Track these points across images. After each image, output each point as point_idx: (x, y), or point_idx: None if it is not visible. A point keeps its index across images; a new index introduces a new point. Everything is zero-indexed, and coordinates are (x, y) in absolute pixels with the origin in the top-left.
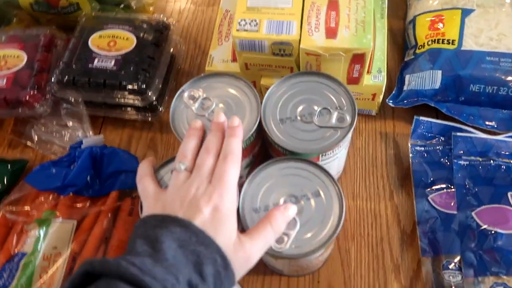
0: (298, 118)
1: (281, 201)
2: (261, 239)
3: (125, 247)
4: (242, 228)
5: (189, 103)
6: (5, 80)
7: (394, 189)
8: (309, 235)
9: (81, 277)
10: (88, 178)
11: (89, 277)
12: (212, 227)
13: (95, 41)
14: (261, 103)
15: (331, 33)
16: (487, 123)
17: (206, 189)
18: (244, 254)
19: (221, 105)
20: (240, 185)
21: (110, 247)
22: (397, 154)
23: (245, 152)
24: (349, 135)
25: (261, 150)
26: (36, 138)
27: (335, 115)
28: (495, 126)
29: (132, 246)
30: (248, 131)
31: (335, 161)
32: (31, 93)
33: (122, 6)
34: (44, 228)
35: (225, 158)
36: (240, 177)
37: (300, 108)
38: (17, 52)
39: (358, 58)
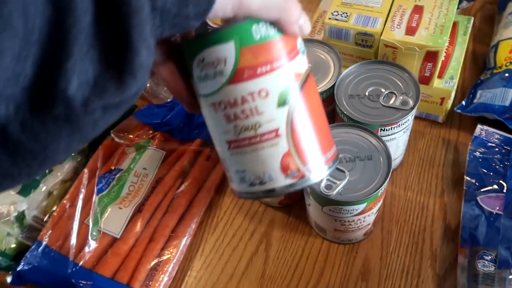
0: (367, 96)
1: None
2: None
3: (198, 185)
4: None
5: None
6: None
7: (445, 189)
8: (354, 189)
9: None
10: (181, 124)
11: None
12: None
13: None
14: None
15: (410, 31)
16: None
17: None
18: None
19: (310, 64)
20: None
21: (186, 181)
22: (456, 160)
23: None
24: (409, 117)
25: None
26: (148, 87)
27: (400, 98)
28: None
29: None
30: (330, 84)
31: (393, 141)
32: None
33: None
34: (140, 152)
35: None
36: None
37: (369, 89)
38: None
39: (431, 56)
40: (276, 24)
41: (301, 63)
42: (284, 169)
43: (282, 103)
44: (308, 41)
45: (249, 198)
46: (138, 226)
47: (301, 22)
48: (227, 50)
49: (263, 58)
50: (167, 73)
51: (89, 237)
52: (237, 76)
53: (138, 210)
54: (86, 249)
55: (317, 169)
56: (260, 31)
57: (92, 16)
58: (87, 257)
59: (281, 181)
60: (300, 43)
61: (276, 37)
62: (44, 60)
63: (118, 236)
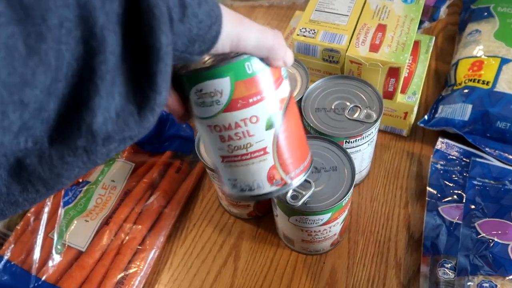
0: (332, 110)
1: None
2: (259, 27)
3: (167, 197)
4: None
5: None
6: None
7: (410, 200)
8: (319, 199)
9: None
10: (151, 136)
11: None
12: None
13: None
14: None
15: (374, 47)
16: (510, 157)
17: None
18: (236, 15)
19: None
20: None
21: (155, 193)
22: (419, 172)
23: None
24: (373, 130)
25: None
26: None
27: (364, 112)
28: None
29: None
30: (297, 97)
31: (358, 153)
32: None
33: None
34: (109, 164)
35: None
36: None
37: (335, 103)
38: None
39: (393, 72)
40: (265, 60)
41: (285, 88)
42: (270, 179)
43: (269, 126)
44: None
45: (239, 200)
46: (105, 239)
47: (286, 56)
48: (223, 84)
49: (254, 89)
50: None
51: (53, 251)
52: (231, 106)
53: (105, 222)
54: (50, 263)
55: (296, 176)
56: (251, 66)
57: (120, 57)
58: (50, 272)
59: (267, 188)
60: (284, 70)
61: (264, 70)
62: (70, 95)
63: (83, 250)
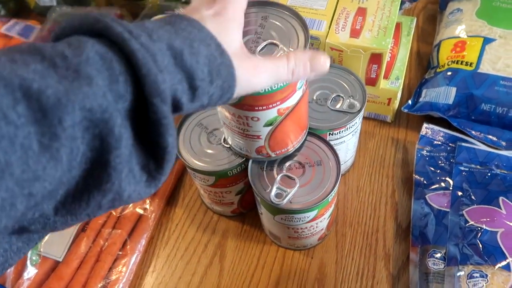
0: (314, 100)
1: (287, 164)
2: (272, 63)
3: (147, 198)
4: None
5: None
6: None
7: (396, 189)
8: (304, 196)
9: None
10: None
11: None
12: (212, 26)
13: None
14: None
15: (355, 33)
16: (495, 140)
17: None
18: (250, 63)
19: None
20: None
21: None
22: (405, 159)
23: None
24: (357, 120)
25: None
26: None
27: (347, 101)
28: (503, 145)
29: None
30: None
31: (342, 145)
32: None
33: (183, 0)
34: None
35: None
36: None
37: (317, 93)
38: None
39: (376, 58)
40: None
41: (294, 98)
42: (258, 151)
43: (268, 125)
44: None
45: (233, 150)
46: (83, 247)
47: (322, 62)
48: None
49: (262, 102)
50: None
51: (28, 263)
52: (239, 106)
53: (82, 229)
54: (25, 276)
55: (282, 153)
56: (265, 88)
57: (132, 149)
58: (26, 285)
59: (254, 155)
60: (300, 82)
61: (278, 89)
62: (81, 180)
63: (60, 259)
